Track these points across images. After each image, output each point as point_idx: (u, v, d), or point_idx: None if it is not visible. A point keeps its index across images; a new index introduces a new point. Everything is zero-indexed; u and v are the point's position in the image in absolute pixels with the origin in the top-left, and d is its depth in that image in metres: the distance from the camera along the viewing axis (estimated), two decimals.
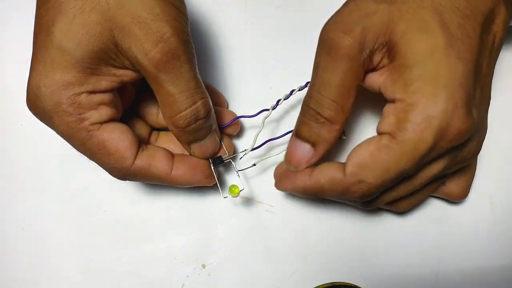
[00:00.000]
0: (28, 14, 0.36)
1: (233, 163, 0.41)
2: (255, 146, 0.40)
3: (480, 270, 0.44)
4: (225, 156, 0.40)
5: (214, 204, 0.45)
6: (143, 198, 0.45)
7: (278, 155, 0.40)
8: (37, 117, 0.33)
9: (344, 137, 0.38)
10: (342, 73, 0.33)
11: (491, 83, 0.35)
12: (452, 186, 0.41)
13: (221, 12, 0.48)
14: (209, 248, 0.44)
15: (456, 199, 0.42)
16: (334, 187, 0.34)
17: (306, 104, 0.35)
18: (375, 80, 0.34)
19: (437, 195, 0.43)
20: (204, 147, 0.38)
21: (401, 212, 0.44)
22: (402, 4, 0.31)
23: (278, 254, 0.44)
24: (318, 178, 0.35)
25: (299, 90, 0.40)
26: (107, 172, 0.36)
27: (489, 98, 0.36)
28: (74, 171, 0.45)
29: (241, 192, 0.40)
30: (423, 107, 0.30)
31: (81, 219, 0.45)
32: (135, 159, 0.35)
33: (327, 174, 0.34)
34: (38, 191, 0.45)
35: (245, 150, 0.41)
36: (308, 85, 0.36)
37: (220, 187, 0.40)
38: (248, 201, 0.45)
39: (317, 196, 0.37)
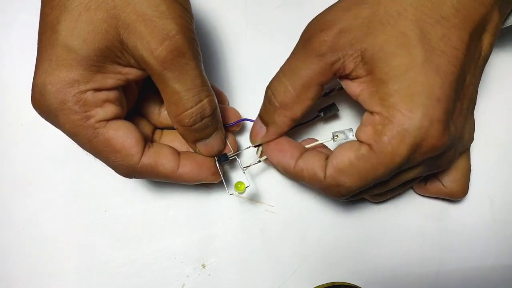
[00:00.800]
0: (31, 14, 0.36)
1: (238, 160, 0.42)
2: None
3: (480, 270, 0.45)
4: (230, 153, 0.40)
5: (214, 204, 0.45)
6: (143, 198, 0.45)
7: None
8: (42, 116, 0.33)
9: (353, 137, 0.38)
10: (309, 64, 0.34)
11: (476, 91, 0.35)
12: (451, 185, 0.41)
13: (221, 12, 0.48)
14: (209, 248, 0.44)
15: (457, 197, 0.43)
16: (314, 183, 0.36)
17: (268, 85, 0.37)
18: (353, 89, 0.34)
19: (438, 196, 0.44)
20: (210, 146, 0.38)
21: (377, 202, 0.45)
22: (385, 13, 0.32)
23: (278, 254, 0.44)
24: (302, 170, 0.36)
25: None
26: (112, 170, 0.36)
27: (474, 103, 0.36)
28: (74, 172, 0.45)
29: (246, 189, 0.40)
30: (399, 122, 0.30)
31: (81, 219, 0.44)
32: (141, 156, 0.35)
33: (311, 170, 0.36)
34: (38, 191, 0.45)
35: (249, 146, 0.41)
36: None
37: (225, 184, 0.41)
38: (249, 201, 0.45)
39: (295, 181, 0.39)
